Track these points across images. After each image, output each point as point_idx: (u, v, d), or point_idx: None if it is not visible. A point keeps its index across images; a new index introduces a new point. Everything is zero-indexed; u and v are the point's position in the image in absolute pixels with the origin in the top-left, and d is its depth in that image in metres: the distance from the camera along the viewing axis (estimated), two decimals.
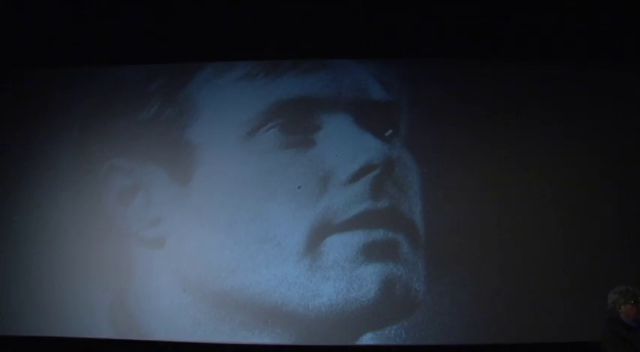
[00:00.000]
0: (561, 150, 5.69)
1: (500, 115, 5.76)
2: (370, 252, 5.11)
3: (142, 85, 5.95)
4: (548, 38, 5.81)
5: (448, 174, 5.49)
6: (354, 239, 5.14)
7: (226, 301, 5.09)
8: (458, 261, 5.21)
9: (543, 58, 5.97)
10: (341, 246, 5.12)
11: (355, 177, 5.26)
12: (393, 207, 5.27)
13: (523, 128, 5.72)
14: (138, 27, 5.76)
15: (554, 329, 4.98)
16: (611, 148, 5.77)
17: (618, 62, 6.07)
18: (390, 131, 5.54)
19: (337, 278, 5.06)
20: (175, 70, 6.02)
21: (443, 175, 5.48)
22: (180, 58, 6.04)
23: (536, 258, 5.27)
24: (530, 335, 4.98)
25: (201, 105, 5.79)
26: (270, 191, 5.35)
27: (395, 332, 4.98)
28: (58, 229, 5.49)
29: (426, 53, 5.90)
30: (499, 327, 5.02)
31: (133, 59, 6.05)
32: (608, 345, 2.76)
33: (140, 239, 5.36)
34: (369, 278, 5.06)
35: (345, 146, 5.41)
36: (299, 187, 5.30)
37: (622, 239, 5.36)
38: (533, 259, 5.26)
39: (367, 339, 4.97)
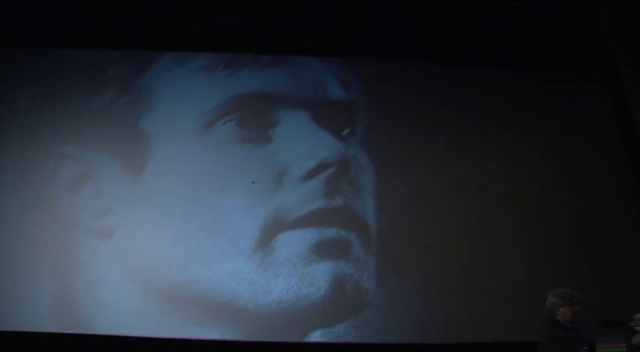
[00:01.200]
0: (514, 155, 5.86)
1: (456, 119, 5.88)
2: (322, 250, 5.11)
3: (97, 71, 5.74)
4: (504, 45, 5.97)
5: (403, 175, 5.57)
6: (307, 236, 5.13)
7: (175, 295, 4.99)
8: (409, 261, 5.28)
9: (500, 64, 6.15)
10: (293, 242, 5.10)
11: (310, 175, 5.24)
12: (346, 206, 5.29)
13: (477, 132, 5.88)
14: (96, 10, 5.60)
15: (499, 330, 5.08)
16: (561, 154, 6.00)
17: (571, 70, 6.35)
18: (347, 130, 5.56)
19: (288, 275, 5.04)
20: (133, 58, 5.85)
21: (397, 176, 5.55)
22: (139, 46, 5.88)
23: (484, 260, 5.39)
24: (477, 335, 5.08)
25: (157, 95, 5.65)
26: (224, 185, 5.28)
27: (344, 330, 5.00)
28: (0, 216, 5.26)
29: (387, 55, 5.97)
30: (447, 327, 5.11)
31: (89, 43, 5.84)
32: (546, 345, 2.86)
33: (88, 229, 5.18)
34: (319, 276, 5.06)
35: (301, 143, 5.39)
36: (253, 182, 5.25)
37: (563, 244, 5.56)
38: (481, 261, 5.38)
39: (316, 336, 4.97)
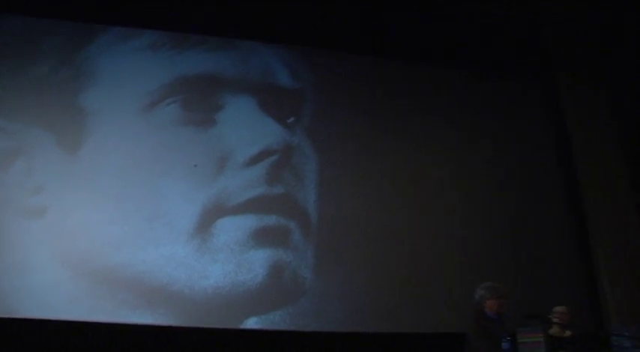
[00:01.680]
0: (452, 150, 6.05)
1: (400, 112, 5.99)
2: (261, 237, 5.10)
3: (35, 40, 5.39)
4: (450, 44, 6.11)
5: (346, 166, 5.62)
6: (246, 223, 5.10)
7: (108, 278, 4.82)
8: (347, 251, 5.34)
9: (446, 63, 6.28)
10: (232, 228, 5.06)
11: (253, 161, 5.21)
12: (287, 194, 5.30)
13: (419, 126, 6.01)
14: None
15: (431, 320, 5.23)
16: (496, 153, 6.22)
17: (512, 74, 6.58)
18: (293, 118, 5.55)
19: (226, 261, 4.99)
20: (75, 29, 5.55)
21: (340, 166, 5.60)
22: (83, 17, 5.59)
23: (420, 253, 5.53)
24: (410, 326, 5.17)
25: (99, 70, 5.41)
26: (165, 167, 5.16)
27: (280, 318, 5.02)
28: None
29: (336, 46, 5.97)
30: (382, 317, 5.20)
31: (29, 9, 5.47)
32: (473, 335, 2.98)
33: (18, 207, 4.89)
34: (257, 263, 5.05)
35: (246, 129, 5.34)
36: (195, 166, 5.15)
37: (493, 240, 5.79)
38: (417, 254, 5.52)
39: (252, 323, 4.96)
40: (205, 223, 5.02)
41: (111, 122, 5.24)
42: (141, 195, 5.08)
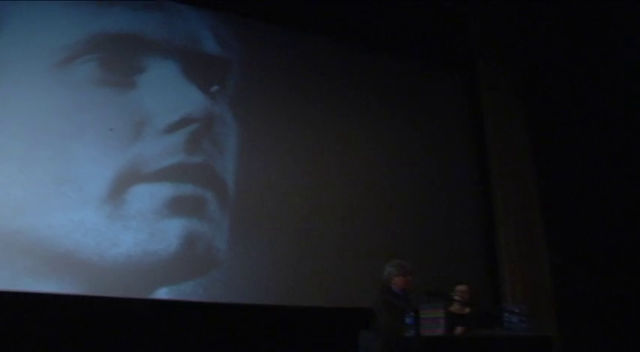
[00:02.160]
0: (373, 128, 6.18)
1: (326, 90, 6.01)
2: (176, 206, 4.97)
3: None
4: (379, 26, 6.19)
5: (266, 138, 5.58)
6: (162, 191, 4.94)
7: (9, 243, 4.48)
8: (263, 224, 5.33)
9: (374, 44, 6.36)
10: (147, 196, 4.89)
11: (172, 128, 5.04)
12: (206, 164, 5.19)
13: (343, 104, 6.06)
14: None
15: (341, 295, 5.34)
16: (413, 133, 6.43)
17: (438, 62, 6.78)
18: (217, 87, 5.40)
19: (138, 229, 4.82)
20: None
21: (261, 138, 5.54)
22: None
23: (334, 229, 5.62)
24: (321, 300, 5.29)
25: (8, 18, 4.92)
26: (77, 129, 4.83)
27: (192, 289, 4.94)
28: None
29: (267, 17, 5.87)
30: (293, 291, 5.26)
31: None
32: (379, 310, 3.08)
33: None
34: (171, 232, 4.92)
35: (167, 94, 5.14)
36: (110, 129, 4.89)
37: (404, 221, 6.01)
38: (331, 230, 5.60)
39: (162, 293, 4.85)
40: (118, 189, 4.82)
41: (18, 76, 4.81)
42: (49, 157, 4.73)
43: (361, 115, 6.18)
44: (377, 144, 6.17)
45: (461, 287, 3.45)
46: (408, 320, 2.79)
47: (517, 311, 3.05)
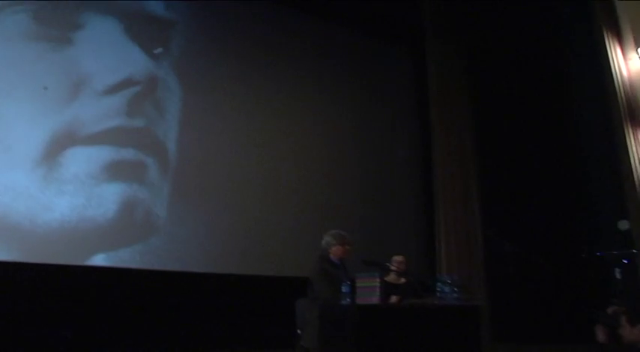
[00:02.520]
0: (321, 100, 6.18)
1: (275, 58, 5.92)
2: (115, 171, 4.81)
3: None
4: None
5: (211, 105, 5.46)
6: (100, 154, 4.76)
7: None
8: (204, 192, 5.26)
9: (325, 16, 6.30)
10: (84, 159, 4.69)
11: (112, 90, 4.84)
12: (147, 128, 5.04)
13: (290, 73, 6.01)
14: None
15: (279, 264, 5.36)
16: (361, 107, 6.49)
17: (388, 38, 6.80)
18: (161, 49, 5.22)
19: (74, 194, 4.64)
20: None
21: (205, 104, 5.43)
22: None
23: (275, 199, 5.62)
24: (259, 269, 5.29)
25: None
26: (7, 86, 4.54)
27: (129, 255, 4.84)
28: None
29: None
30: (232, 259, 5.24)
31: None
32: (316, 279, 3.12)
33: None
34: (109, 198, 4.78)
35: (107, 54, 4.91)
36: (45, 88, 4.64)
37: (345, 192, 6.10)
38: (272, 199, 5.60)
39: (99, 260, 4.72)
40: (53, 151, 4.60)
41: None
42: None
43: (307, 86, 6.15)
44: (321, 115, 6.18)
45: (397, 258, 3.53)
46: (344, 289, 2.85)
47: (449, 281, 3.17)
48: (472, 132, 6.78)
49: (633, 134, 5.68)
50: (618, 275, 6.12)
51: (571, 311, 6.28)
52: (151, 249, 4.92)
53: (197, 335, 4.82)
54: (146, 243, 4.91)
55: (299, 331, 3.17)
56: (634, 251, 5.60)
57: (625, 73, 5.84)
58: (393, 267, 3.38)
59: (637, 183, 5.51)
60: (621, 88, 5.79)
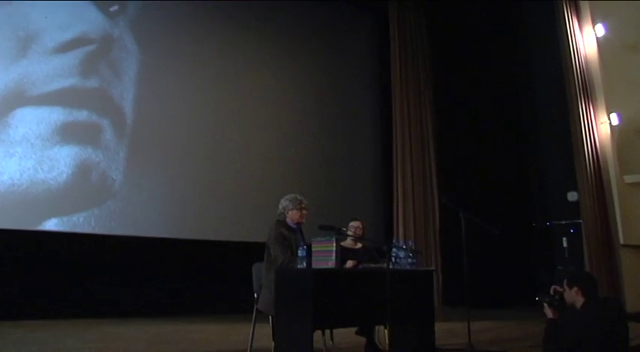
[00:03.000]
0: (281, 63, 6.09)
1: (231, 20, 5.77)
2: (68, 133, 4.66)
3: None
4: None
5: (168, 66, 5.31)
6: (52, 116, 4.60)
7: None
8: (161, 155, 5.17)
9: None
10: (34, 120, 4.52)
11: (64, 48, 4.64)
12: (102, 90, 4.87)
13: (249, 34, 5.87)
14: None
15: (236, 228, 5.36)
16: (323, 70, 6.46)
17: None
18: (116, 7, 5.00)
19: (24, 156, 4.48)
20: None
21: (163, 67, 5.28)
22: None
23: (234, 164, 5.56)
24: (216, 234, 5.27)
25: None
26: None
27: (84, 220, 4.74)
28: None
29: None
30: (189, 224, 5.19)
31: None
32: (272, 243, 3.13)
33: None
34: (62, 161, 4.63)
35: (58, 10, 4.67)
36: None
37: (306, 157, 6.12)
38: (232, 164, 5.55)
39: (52, 225, 4.62)
40: (0, 112, 4.41)
41: None
42: None
43: (267, 47, 6.02)
44: (282, 78, 6.10)
45: (354, 223, 3.55)
46: (300, 253, 2.86)
47: (405, 247, 3.24)
48: (431, 101, 6.90)
49: (586, 109, 5.86)
50: (565, 244, 6.43)
51: (520, 277, 6.58)
52: (108, 213, 4.84)
53: (155, 299, 4.81)
54: (102, 207, 4.81)
55: (256, 295, 3.18)
56: (580, 221, 5.87)
57: (581, 49, 5.99)
58: (349, 232, 3.41)
59: (587, 156, 5.73)
60: (576, 62, 5.94)
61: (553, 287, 2.51)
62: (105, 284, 4.60)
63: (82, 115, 4.74)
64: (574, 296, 2.37)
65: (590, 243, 5.62)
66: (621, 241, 5.60)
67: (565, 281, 2.44)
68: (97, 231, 4.76)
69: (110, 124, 4.88)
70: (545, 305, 2.47)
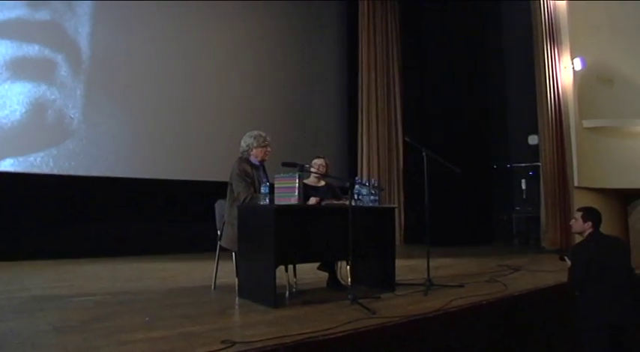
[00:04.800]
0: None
1: None
2: (19, 69, 4.44)
3: None
4: None
5: None
6: (0, 50, 4.37)
7: None
8: (120, 93, 5.00)
9: None
10: None
11: None
12: (55, 23, 4.62)
13: None
14: None
15: (199, 167, 5.30)
16: (292, 6, 6.30)
17: None
18: None
19: None
20: None
21: None
22: None
23: (196, 101, 5.44)
24: (176, 173, 5.20)
25: None
26: None
27: (41, 160, 4.61)
28: None
29: None
30: (150, 163, 5.10)
31: None
32: (235, 179, 3.11)
33: None
34: (14, 98, 4.44)
35: None
36: None
37: (272, 93, 6.05)
38: (194, 101, 5.42)
39: (7, 166, 4.47)
40: None
41: None
42: None
43: None
44: (245, 12, 5.88)
45: (318, 161, 3.54)
46: (263, 190, 2.86)
47: (367, 184, 3.26)
48: (398, 39, 6.86)
49: (551, 53, 5.90)
50: (523, 186, 6.63)
51: (480, 217, 6.79)
52: (66, 152, 4.71)
53: (117, 239, 4.76)
54: (60, 146, 4.68)
55: (219, 232, 3.19)
56: (539, 164, 6.03)
57: None
58: (313, 169, 3.40)
59: (549, 101, 5.81)
60: (544, 6, 5.92)
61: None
62: (66, 224, 4.54)
63: (33, 50, 4.50)
64: (585, 228, 2.91)
65: (546, 185, 5.79)
66: (575, 183, 5.81)
67: (581, 215, 2.94)
68: (56, 171, 4.64)
69: (65, 60, 4.66)
70: (566, 258, 2.99)
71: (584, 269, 2.79)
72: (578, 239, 3.08)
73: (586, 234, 2.91)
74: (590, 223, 2.89)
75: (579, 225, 2.93)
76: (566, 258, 3.00)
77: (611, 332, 2.75)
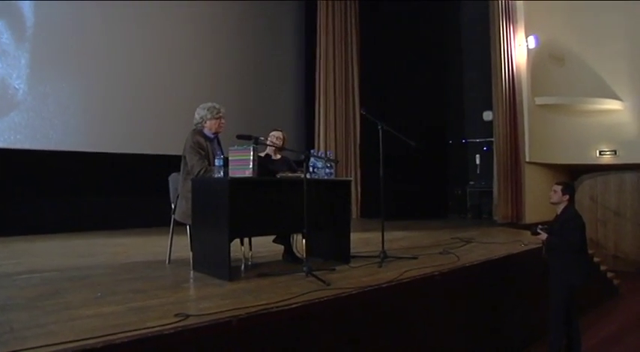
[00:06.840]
0: None
1: None
2: None
3: None
4: None
5: None
6: None
7: None
8: (68, 62, 4.79)
9: None
10: None
11: None
12: None
13: None
14: None
15: (153, 141, 5.17)
16: None
17: None
18: None
19: None
20: None
21: None
22: None
23: (147, 72, 5.27)
24: (130, 146, 5.06)
25: None
26: None
27: None
28: None
29: None
30: (102, 136, 4.93)
31: None
32: (189, 152, 3.05)
33: None
34: None
35: None
36: None
37: (230, 65, 5.92)
38: (144, 71, 5.25)
39: None
40: None
41: None
42: None
43: None
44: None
45: (275, 133, 3.50)
46: (217, 162, 2.81)
47: (323, 158, 3.26)
48: (357, 14, 6.82)
49: (507, 31, 5.98)
50: (478, 161, 6.79)
51: (435, 192, 6.93)
52: (11, 125, 4.49)
53: (69, 215, 4.63)
54: (4, 119, 4.46)
55: (173, 205, 3.14)
56: (493, 140, 6.17)
57: None
58: (268, 142, 3.37)
59: (504, 78, 5.91)
60: None
61: (539, 226, 3.41)
62: (15, 200, 4.36)
63: None
64: (563, 199, 3.33)
65: (499, 160, 5.93)
66: (527, 159, 5.98)
67: (560, 188, 3.36)
68: (1, 144, 4.42)
69: (6, 27, 4.41)
70: (540, 232, 3.34)
71: (584, 232, 3.26)
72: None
73: (562, 205, 3.34)
74: (567, 196, 3.34)
75: (558, 197, 3.35)
76: (540, 231, 3.33)
77: (571, 291, 3.25)
